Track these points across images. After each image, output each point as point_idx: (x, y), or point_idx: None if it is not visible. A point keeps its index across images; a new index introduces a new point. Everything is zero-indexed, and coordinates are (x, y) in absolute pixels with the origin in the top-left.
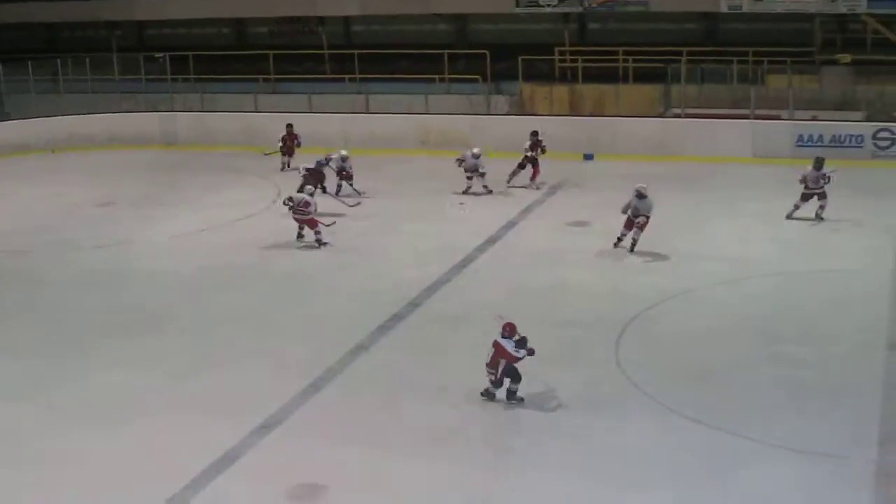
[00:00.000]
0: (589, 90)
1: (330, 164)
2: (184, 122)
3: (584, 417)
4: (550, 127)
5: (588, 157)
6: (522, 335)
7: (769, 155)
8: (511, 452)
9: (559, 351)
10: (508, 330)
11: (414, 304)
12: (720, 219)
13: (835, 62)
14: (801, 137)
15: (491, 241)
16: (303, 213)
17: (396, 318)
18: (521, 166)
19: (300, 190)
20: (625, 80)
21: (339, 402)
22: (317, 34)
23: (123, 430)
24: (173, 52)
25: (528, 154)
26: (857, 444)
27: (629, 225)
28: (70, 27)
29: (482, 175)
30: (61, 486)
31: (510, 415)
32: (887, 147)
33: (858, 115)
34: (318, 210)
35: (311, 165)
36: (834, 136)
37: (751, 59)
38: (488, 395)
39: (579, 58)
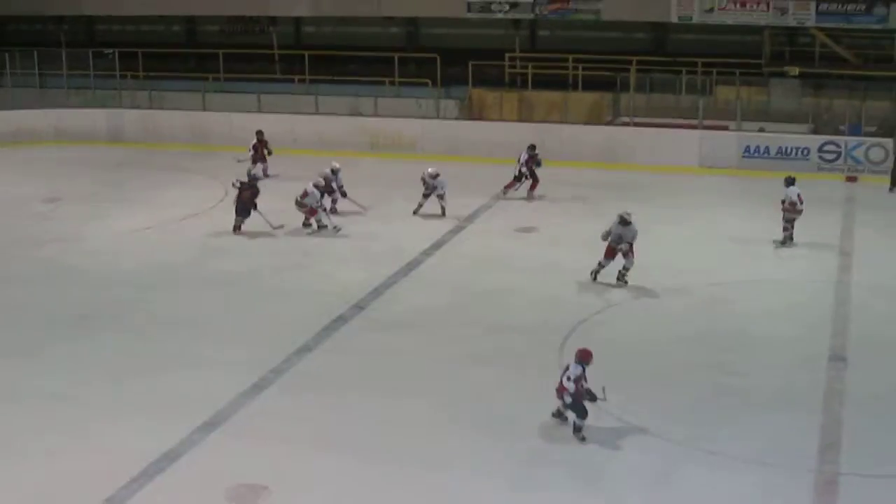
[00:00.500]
0: (538, 97)
1: (327, 179)
2: (131, 118)
3: (527, 421)
4: (499, 133)
5: (536, 163)
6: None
7: (716, 165)
8: (456, 453)
9: (502, 356)
10: (579, 356)
11: (359, 307)
12: (665, 227)
13: (783, 74)
14: (748, 149)
15: (437, 245)
16: (302, 206)
17: (341, 321)
18: (518, 179)
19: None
20: (574, 87)
21: (283, 403)
22: (268, 34)
23: (62, 430)
24: (122, 49)
25: (523, 169)
26: (798, 453)
27: (610, 253)
28: (17, 20)
29: (441, 196)
30: None
31: (458, 418)
32: (833, 160)
33: (805, 127)
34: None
35: (245, 180)
36: (780, 147)
37: (700, 69)
38: (559, 416)
39: (529, 64)
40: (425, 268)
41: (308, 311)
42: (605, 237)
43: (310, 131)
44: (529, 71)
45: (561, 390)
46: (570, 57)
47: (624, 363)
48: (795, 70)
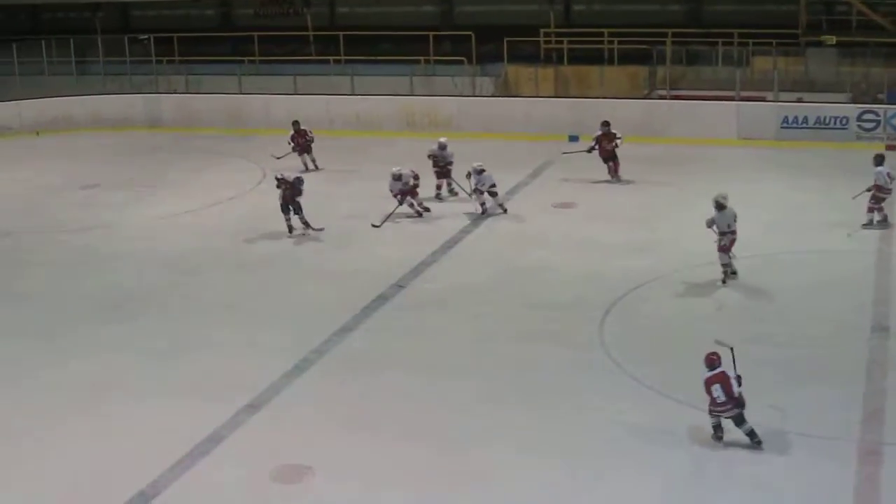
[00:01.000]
0: (574, 72)
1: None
2: (168, 103)
3: (569, 397)
4: (535, 108)
5: (573, 138)
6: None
7: (754, 136)
8: (488, 431)
9: (544, 332)
10: (708, 362)
11: (399, 286)
12: (703, 200)
13: (820, 44)
14: (786, 119)
15: (476, 222)
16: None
17: (382, 300)
18: (592, 149)
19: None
20: (610, 61)
21: (325, 384)
22: (302, 16)
23: (105, 413)
24: (158, 34)
25: (605, 146)
26: (841, 423)
27: (726, 247)
28: (53, 9)
29: (493, 194)
30: (42, 468)
31: (501, 396)
32: (872, 129)
33: (843, 96)
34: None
35: (281, 176)
36: (819, 117)
37: (736, 40)
38: (718, 433)
39: (564, 39)
40: (464, 245)
41: (348, 290)
42: (709, 225)
43: (347, 111)
44: (565, 46)
45: (726, 403)
46: (605, 31)
47: (665, 337)
48: (832, 39)
